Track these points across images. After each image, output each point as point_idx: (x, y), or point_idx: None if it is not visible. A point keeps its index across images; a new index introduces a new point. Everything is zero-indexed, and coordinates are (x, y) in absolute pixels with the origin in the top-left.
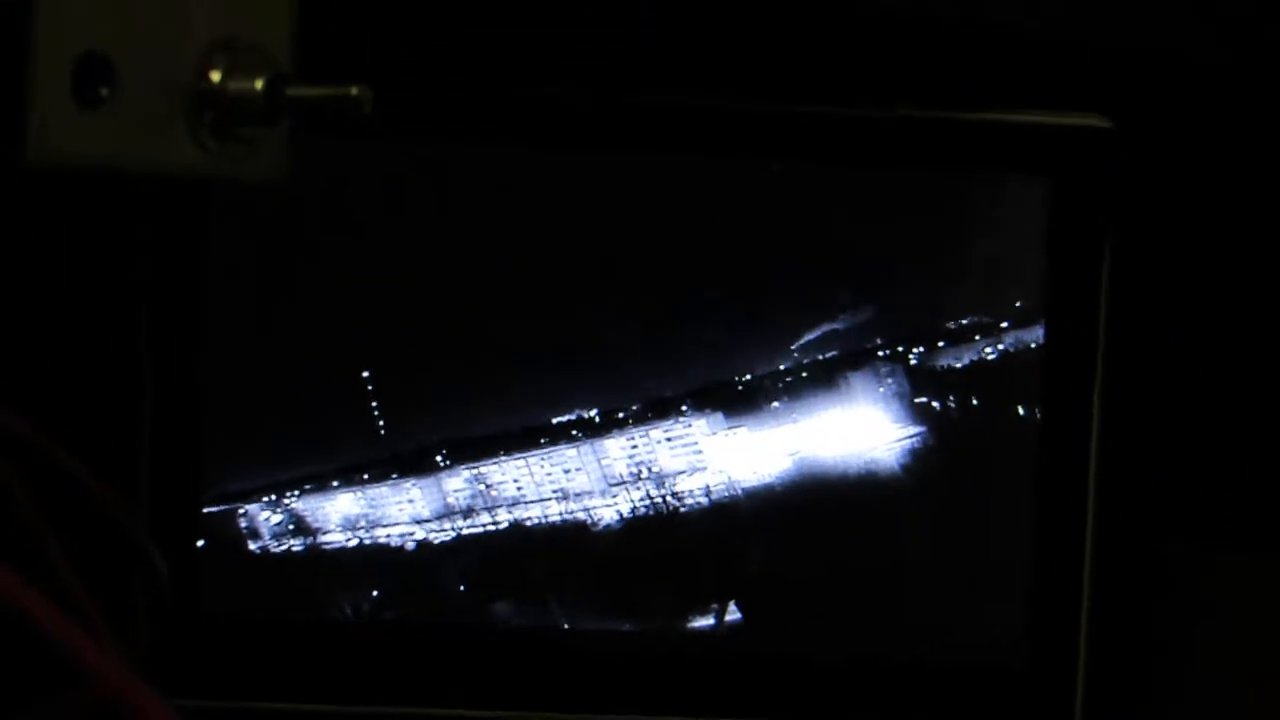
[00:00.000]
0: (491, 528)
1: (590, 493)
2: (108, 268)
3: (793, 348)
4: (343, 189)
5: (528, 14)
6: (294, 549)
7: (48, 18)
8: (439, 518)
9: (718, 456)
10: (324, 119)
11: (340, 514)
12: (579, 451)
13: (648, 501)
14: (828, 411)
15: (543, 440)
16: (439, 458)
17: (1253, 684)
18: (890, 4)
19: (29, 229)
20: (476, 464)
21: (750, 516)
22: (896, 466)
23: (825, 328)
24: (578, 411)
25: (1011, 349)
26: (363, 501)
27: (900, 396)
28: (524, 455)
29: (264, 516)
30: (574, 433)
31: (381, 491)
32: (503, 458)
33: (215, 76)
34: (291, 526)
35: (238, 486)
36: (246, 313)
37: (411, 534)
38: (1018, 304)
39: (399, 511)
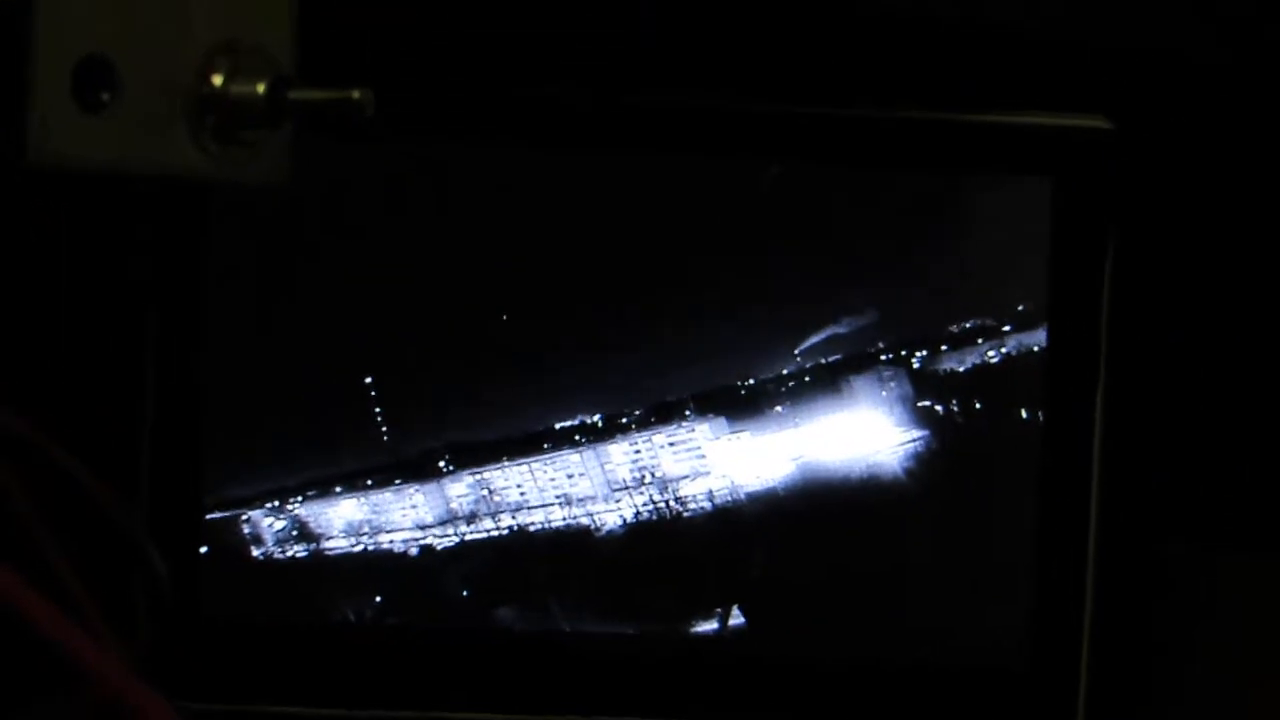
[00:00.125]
0: (495, 533)
1: (593, 498)
2: (109, 270)
3: (795, 352)
4: (344, 191)
5: (528, 14)
6: (297, 554)
7: (48, 20)
8: (442, 523)
9: (721, 461)
10: (326, 122)
11: (343, 519)
12: (582, 456)
13: (651, 506)
14: (831, 416)
15: (546, 445)
16: (442, 463)
17: (1254, 685)
18: (890, 4)
19: (29, 230)
20: (480, 469)
21: (753, 521)
22: (899, 470)
23: (828, 331)
24: (581, 416)
25: (1014, 352)
26: (366, 507)
27: (903, 400)
28: (527, 460)
29: (267, 522)
30: (577, 438)
31: (384, 497)
32: (506, 463)
33: (217, 80)
34: (294, 532)
35: (240, 492)
36: (248, 316)
37: (415, 539)
38: (1019, 307)
39: (402, 517)
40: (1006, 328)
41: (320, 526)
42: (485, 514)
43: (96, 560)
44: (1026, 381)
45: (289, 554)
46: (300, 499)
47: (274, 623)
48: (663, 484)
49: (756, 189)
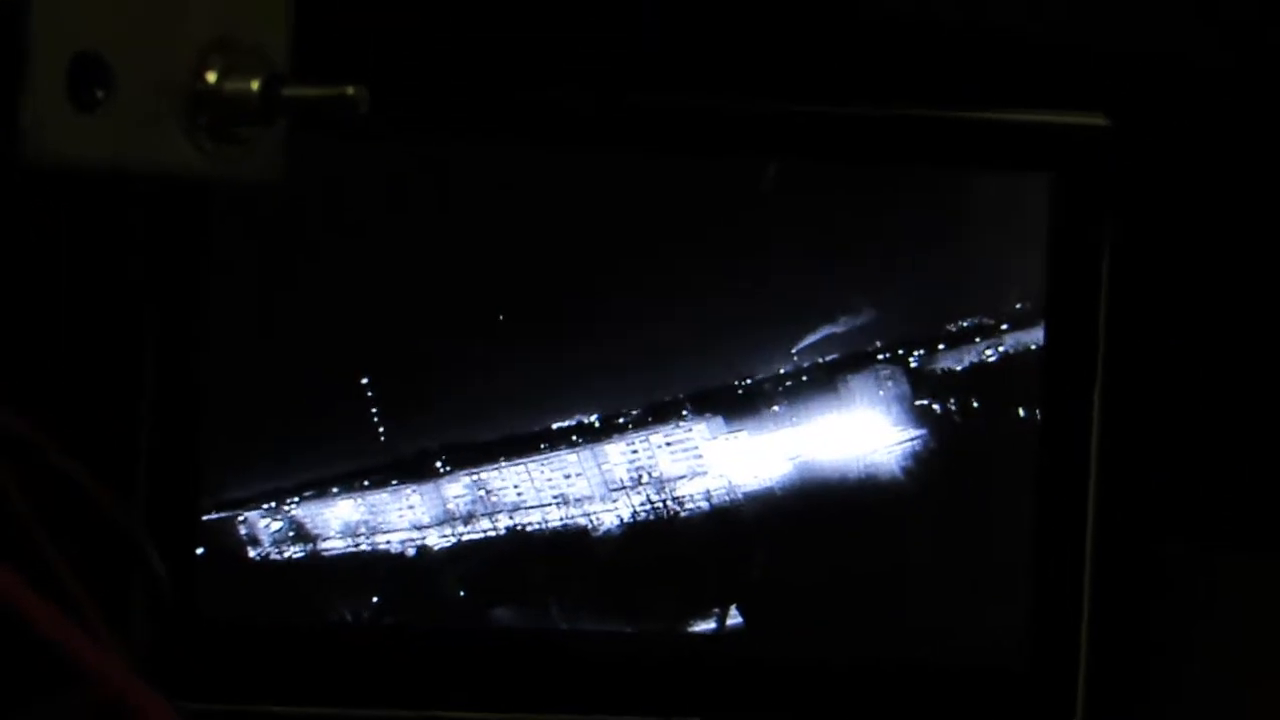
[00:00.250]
0: (492, 533)
1: (590, 498)
2: (107, 271)
3: (793, 351)
4: (343, 192)
5: (529, 16)
6: (294, 555)
7: (42, 19)
8: (439, 523)
9: (718, 461)
10: (321, 119)
11: (340, 520)
12: (579, 457)
13: (648, 506)
14: (828, 415)
15: (543, 445)
16: (439, 463)
17: (1253, 684)
18: (893, 7)
19: (28, 231)
20: (476, 469)
21: (751, 521)
22: (897, 469)
23: (825, 331)
24: (578, 416)
25: (1011, 350)
26: (363, 508)
27: (900, 399)
28: (524, 461)
29: (264, 523)
30: (574, 438)
31: (381, 497)
32: (503, 463)
33: (211, 77)
34: (291, 533)
35: (237, 493)
36: (246, 317)
37: (412, 540)
38: (1017, 305)
39: (399, 517)
40: (1004, 326)
41: (317, 527)
42: (482, 514)
43: (94, 561)
44: (1024, 380)
45: (286, 555)
46: (297, 500)
47: (271, 623)
48: (660, 484)
49: (754, 188)
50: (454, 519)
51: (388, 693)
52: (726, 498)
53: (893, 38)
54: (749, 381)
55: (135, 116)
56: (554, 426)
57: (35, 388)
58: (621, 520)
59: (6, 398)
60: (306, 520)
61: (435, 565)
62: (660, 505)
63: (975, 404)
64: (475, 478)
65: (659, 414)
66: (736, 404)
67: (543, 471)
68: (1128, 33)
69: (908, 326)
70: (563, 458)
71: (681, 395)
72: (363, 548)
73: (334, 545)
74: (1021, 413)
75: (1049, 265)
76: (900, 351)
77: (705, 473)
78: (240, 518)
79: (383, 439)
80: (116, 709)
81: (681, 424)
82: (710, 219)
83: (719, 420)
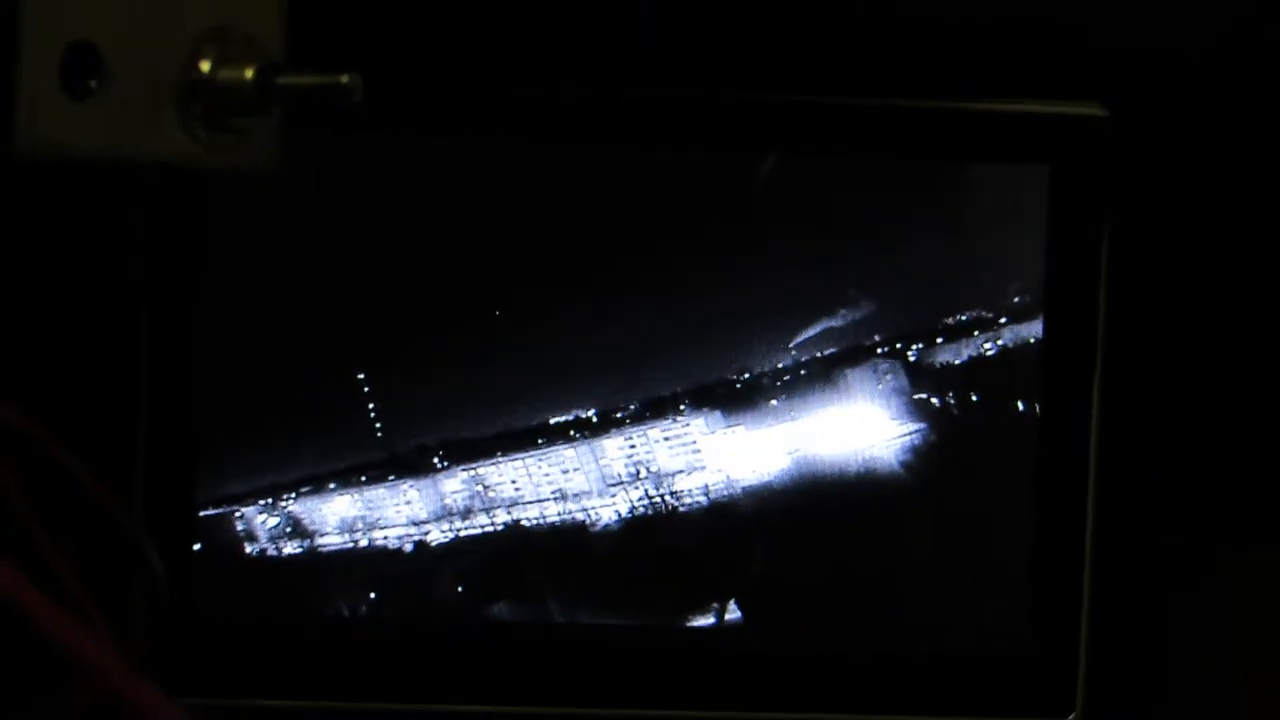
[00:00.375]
0: (490, 529)
1: (588, 493)
2: (103, 267)
3: (790, 345)
4: (338, 188)
5: (528, 13)
6: (292, 551)
7: (35, 8)
8: (437, 519)
9: (716, 455)
10: (316, 109)
11: (337, 516)
12: (577, 451)
13: (646, 501)
14: (826, 409)
15: (540, 440)
16: (436, 459)
17: (1253, 678)
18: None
19: (24, 227)
20: (474, 465)
21: (749, 515)
22: (896, 464)
23: (823, 324)
24: (575, 411)
25: (1010, 344)
26: (360, 503)
27: (899, 393)
28: (522, 456)
29: (261, 519)
30: (571, 433)
31: (378, 493)
32: (500, 458)
33: (205, 66)
34: (289, 529)
35: (234, 489)
36: (242, 312)
37: (409, 535)
38: (1015, 298)
39: (396, 513)
40: (1003, 319)
41: (315, 523)
42: (480, 509)
43: (93, 558)
44: (1023, 373)
45: (283, 550)
46: (294, 495)
47: (269, 619)
48: (658, 478)
49: (750, 181)
50: (452, 514)
51: (386, 688)
52: (725, 492)
53: (889, 29)
54: (747, 376)
55: (129, 106)
56: (551, 421)
57: (32, 384)
58: (619, 515)
59: (5, 394)
60: (304, 516)
61: (433, 561)
62: (658, 500)
63: (974, 397)
64: (473, 473)
65: (656, 409)
66: (734, 398)
67: (540, 466)
68: (1125, 23)
69: (906, 320)
70: (560, 453)
71: (679, 390)
72: (360, 543)
73: (331, 541)
74: (1020, 406)
75: (1047, 257)
76: (899, 345)
77: (703, 467)
78: (238, 513)
79: (380, 434)
80: (116, 705)
81: (679, 418)
82: (706, 213)
83: (717, 415)
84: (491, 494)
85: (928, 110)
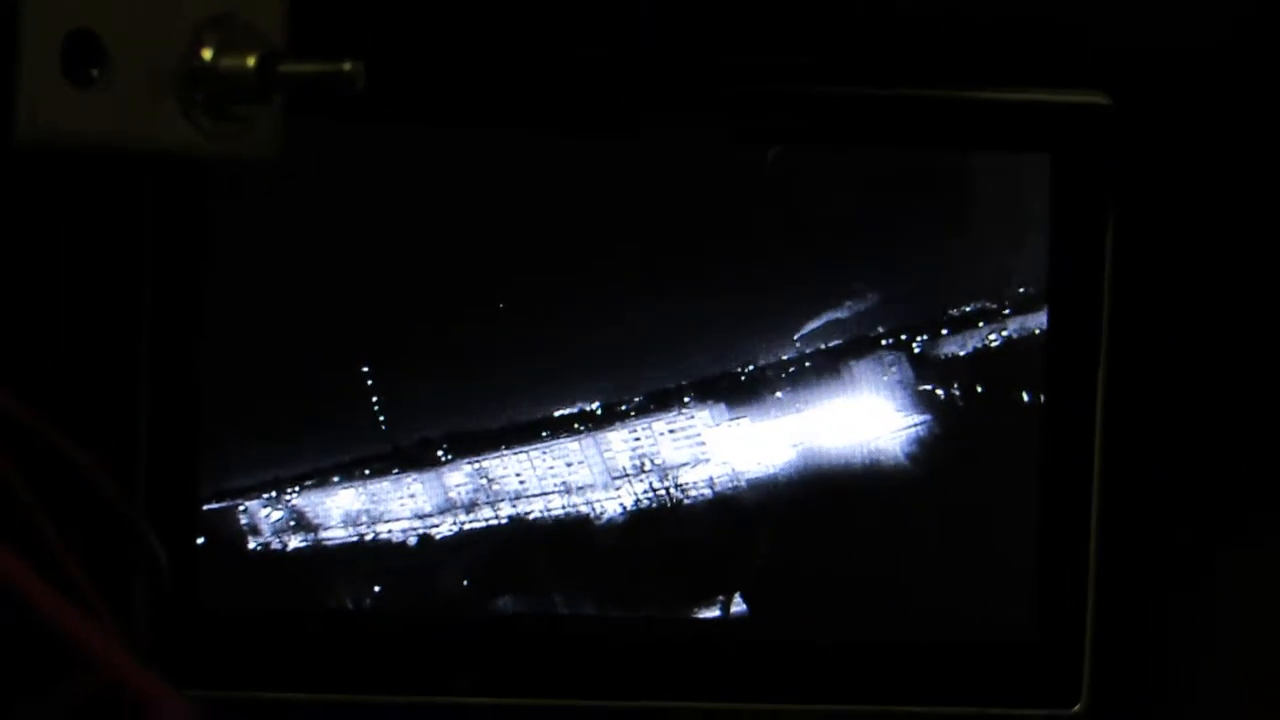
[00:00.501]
0: (494, 522)
1: (593, 485)
2: (106, 257)
3: (795, 337)
4: (342, 178)
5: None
6: (295, 545)
7: None
8: (441, 512)
9: (721, 448)
10: (317, 95)
11: (341, 509)
12: (581, 444)
13: (651, 494)
14: (831, 401)
15: (544, 433)
16: (440, 452)
17: (1257, 673)
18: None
19: (25, 216)
20: (478, 458)
21: (755, 507)
22: (901, 455)
23: (827, 316)
24: (579, 404)
25: (1015, 335)
26: (364, 496)
27: (904, 384)
28: (526, 449)
29: (265, 512)
30: (576, 425)
31: (382, 486)
32: (504, 451)
33: (207, 54)
34: (292, 522)
35: (237, 482)
36: (245, 304)
37: (413, 529)
38: (1020, 289)
39: (400, 506)
40: (1007, 310)
41: (318, 516)
42: (484, 503)
43: (96, 550)
44: (1027, 364)
45: (287, 544)
46: (298, 489)
47: (272, 612)
48: (663, 471)
49: (754, 172)
50: (456, 507)
51: (390, 681)
52: (730, 484)
53: (891, 19)
54: (751, 368)
55: (131, 94)
56: (556, 414)
57: (34, 376)
58: (624, 508)
59: (8, 386)
60: (307, 509)
61: (437, 554)
62: (663, 492)
63: (979, 388)
64: (477, 466)
65: (661, 401)
66: (739, 390)
67: (545, 459)
68: (1128, 12)
69: (910, 311)
70: (565, 445)
71: (684, 382)
72: (364, 537)
73: (335, 534)
74: (1025, 397)
75: (1051, 247)
76: (903, 336)
77: (708, 460)
78: (241, 507)
79: (384, 427)
80: (120, 695)
81: (684, 411)
82: (711, 204)
83: (721, 407)
84: (496, 487)
85: (930, 99)
